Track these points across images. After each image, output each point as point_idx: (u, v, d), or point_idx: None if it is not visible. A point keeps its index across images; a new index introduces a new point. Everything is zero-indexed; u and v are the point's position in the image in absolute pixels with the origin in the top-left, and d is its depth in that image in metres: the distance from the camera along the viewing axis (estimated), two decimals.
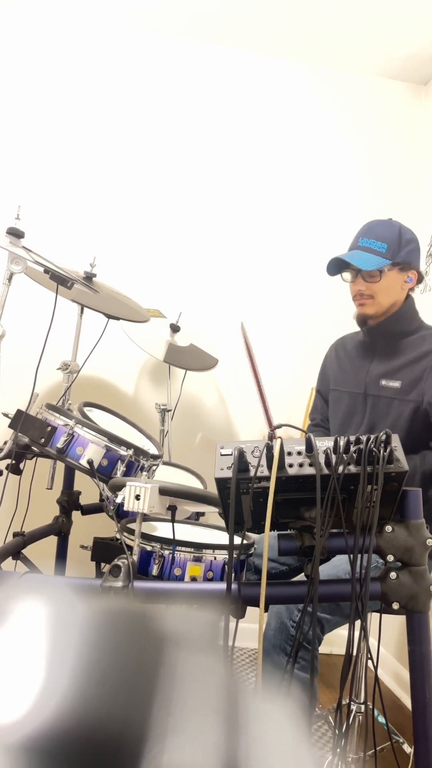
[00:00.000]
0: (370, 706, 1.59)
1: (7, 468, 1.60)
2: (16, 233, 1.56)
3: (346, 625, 1.01)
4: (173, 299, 2.57)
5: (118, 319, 1.89)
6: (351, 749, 1.41)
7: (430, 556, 1.05)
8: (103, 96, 2.61)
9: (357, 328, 1.73)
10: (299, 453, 1.00)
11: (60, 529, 1.88)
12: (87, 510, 1.98)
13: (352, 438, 1.00)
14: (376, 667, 1.05)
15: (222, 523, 1.29)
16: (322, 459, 0.99)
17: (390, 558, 1.02)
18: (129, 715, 0.17)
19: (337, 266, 1.62)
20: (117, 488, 1.19)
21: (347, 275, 1.63)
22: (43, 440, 1.42)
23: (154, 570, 1.13)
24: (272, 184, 2.71)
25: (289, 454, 1.00)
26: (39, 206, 2.50)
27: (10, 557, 1.55)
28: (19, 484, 1.72)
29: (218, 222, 2.66)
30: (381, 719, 1.66)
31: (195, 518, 1.68)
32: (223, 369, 2.52)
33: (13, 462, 1.60)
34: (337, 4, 2.34)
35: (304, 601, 1.04)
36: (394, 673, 2.33)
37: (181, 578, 1.14)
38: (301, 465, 0.99)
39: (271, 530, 0.98)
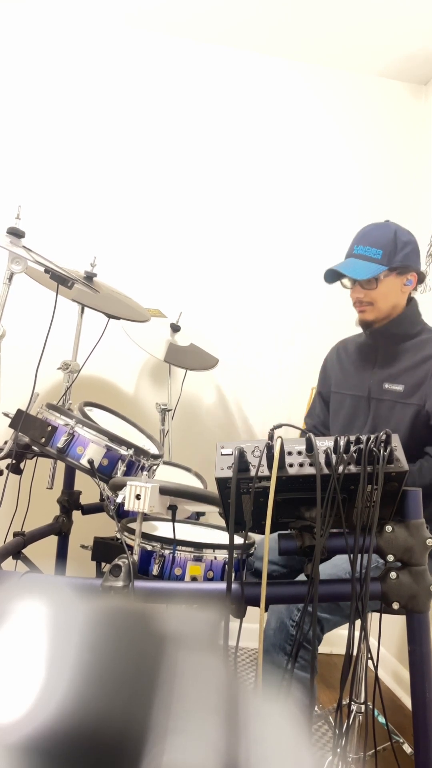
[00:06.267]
0: (370, 706, 1.59)
1: (7, 468, 1.60)
2: (16, 233, 1.56)
3: (347, 625, 1.01)
4: (174, 299, 2.57)
5: (118, 318, 1.89)
6: (351, 749, 1.40)
7: (430, 556, 1.05)
8: (103, 96, 2.61)
9: (357, 328, 1.73)
10: (299, 453, 1.00)
11: (60, 529, 1.88)
12: (87, 510, 1.98)
13: (352, 438, 1.00)
14: (376, 667, 1.05)
15: (222, 522, 1.29)
16: (322, 459, 0.99)
17: (390, 558, 1.02)
18: (129, 714, 0.17)
19: (333, 275, 1.61)
20: (117, 488, 1.19)
21: (347, 281, 1.62)
22: (43, 440, 1.42)
23: (155, 570, 1.13)
24: (273, 183, 2.71)
25: (290, 453, 1.00)
26: (39, 206, 2.50)
27: (11, 557, 1.55)
28: (20, 483, 1.72)
29: (218, 221, 2.66)
30: (381, 719, 1.66)
31: (195, 518, 1.68)
32: (223, 369, 2.52)
33: (14, 462, 1.60)
34: (337, 4, 2.34)
35: (305, 600, 1.04)
36: (394, 673, 2.33)
37: (181, 578, 1.14)
38: (301, 465, 0.99)
39: (271, 531, 0.98)
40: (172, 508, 1.16)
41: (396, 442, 1.00)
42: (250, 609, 1.04)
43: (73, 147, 2.57)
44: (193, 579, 1.14)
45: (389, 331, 1.62)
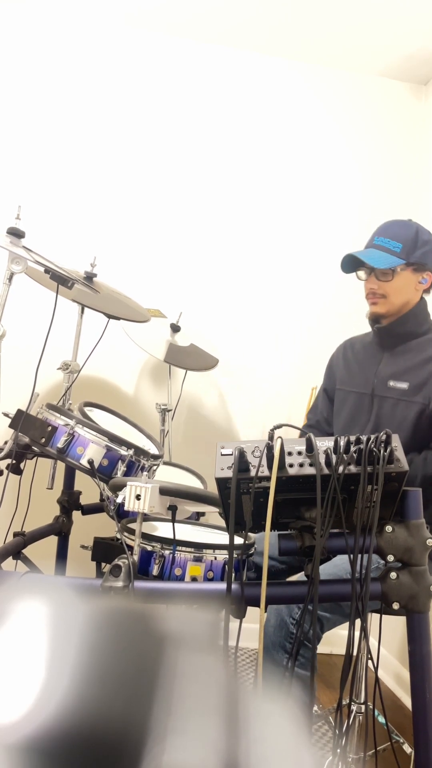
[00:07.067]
0: (371, 706, 1.59)
1: (7, 468, 1.60)
2: (16, 233, 1.55)
3: (347, 625, 1.01)
4: (174, 299, 2.56)
5: (118, 319, 1.89)
6: (351, 749, 1.40)
7: (430, 556, 1.05)
8: (103, 96, 2.61)
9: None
10: (299, 453, 1.00)
11: (60, 529, 1.88)
12: (87, 510, 1.98)
13: (353, 438, 1.00)
14: (376, 668, 1.05)
15: (222, 523, 1.29)
16: (322, 459, 0.99)
17: (390, 558, 1.02)
18: (129, 715, 0.17)
19: (351, 264, 1.62)
20: (117, 488, 1.19)
21: (362, 273, 1.63)
22: (43, 440, 1.42)
23: (155, 570, 1.13)
24: (273, 183, 2.71)
25: (290, 454, 1.00)
26: (39, 206, 2.50)
27: (11, 557, 1.55)
28: (20, 484, 1.72)
29: (219, 221, 2.66)
30: (381, 719, 1.66)
31: (195, 518, 1.68)
32: (223, 369, 2.52)
33: (14, 462, 1.60)
34: (337, 4, 2.34)
35: (305, 601, 1.04)
36: (394, 673, 2.33)
37: (181, 578, 1.14)
38: (301, 465, 0.99)
39: (271, 530, 0.98)
40: (172, 509, 1.16)
41: (396, 442, 1.00)
42: (250, 609, 1.04)
43: (73, 147, 2.57)
44: (193, 579, 1.14)
45: (396, 329, 1.62)
